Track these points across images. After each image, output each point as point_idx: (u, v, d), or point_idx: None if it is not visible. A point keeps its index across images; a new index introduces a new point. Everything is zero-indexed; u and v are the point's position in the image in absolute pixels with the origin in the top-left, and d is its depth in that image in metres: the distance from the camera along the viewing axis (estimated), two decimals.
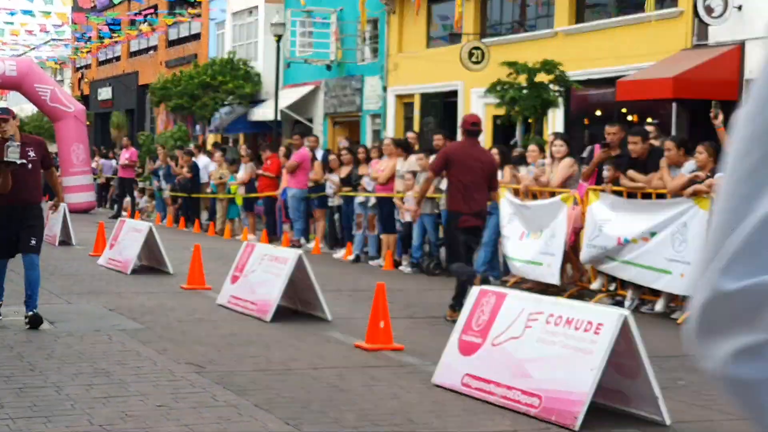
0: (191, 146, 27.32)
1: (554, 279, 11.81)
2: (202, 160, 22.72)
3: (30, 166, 8.99)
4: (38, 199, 9.29)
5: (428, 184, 10.83)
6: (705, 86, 15.96)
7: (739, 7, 16.06)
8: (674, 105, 17.31)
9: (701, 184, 10.03)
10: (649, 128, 12.17)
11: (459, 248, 10.11)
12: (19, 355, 7.65)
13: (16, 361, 7.41)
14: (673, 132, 16.73)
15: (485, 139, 21.90)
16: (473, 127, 10.20)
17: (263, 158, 20.18)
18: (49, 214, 11.11)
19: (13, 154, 8.63)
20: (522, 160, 13.30)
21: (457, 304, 9.39)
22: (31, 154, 9.04)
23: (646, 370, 6.00)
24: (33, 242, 9.03)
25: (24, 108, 58.20)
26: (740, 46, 16.15)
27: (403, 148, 15.49)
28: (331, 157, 17.43)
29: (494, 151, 13.61)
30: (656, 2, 16.77)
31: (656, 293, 10.81)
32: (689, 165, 10.48)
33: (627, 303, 10.87)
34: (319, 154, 19.01)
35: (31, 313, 8.85)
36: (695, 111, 16.43)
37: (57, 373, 6.96)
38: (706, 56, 16.42)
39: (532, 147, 13.17)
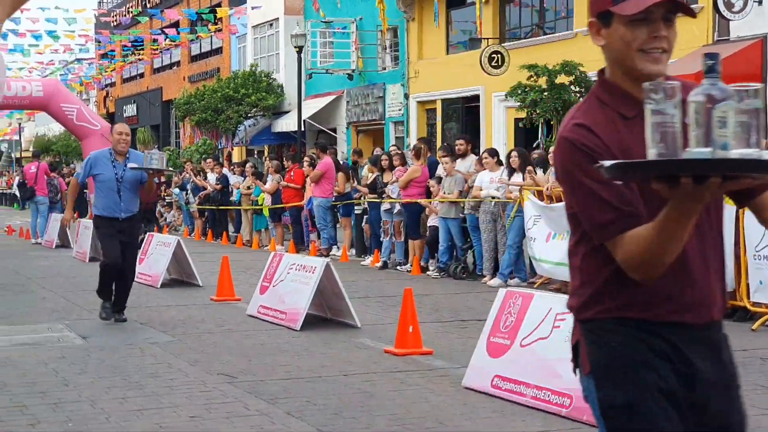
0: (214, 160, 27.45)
1: None
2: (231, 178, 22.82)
3: None
4: None
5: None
6: (728, 81, 15.48)
7: (760, 2, 16.01)
8: None
9: None
10: None
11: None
12: (53, 370, 7.74)
13: (51, 377, 7.49)
14: None
15: (508, 143, 21.90)
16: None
17: (286, 169, 20.31)
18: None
19: None
20: (546, 162, 13.30)
21: None
22: None
23: None
24: None
25: (52, 128, 58.89)
26: (762, 40, 16.10)
27: (451, 153, 15.29)
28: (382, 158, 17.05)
29: (513, 154, 13.67)
30: None
31: None
32: None
33: None
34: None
35: None
36: None
37: (91, 388, 7.03)
38: (728, 51, 16.35)
39: (551, 150, 13.18)
